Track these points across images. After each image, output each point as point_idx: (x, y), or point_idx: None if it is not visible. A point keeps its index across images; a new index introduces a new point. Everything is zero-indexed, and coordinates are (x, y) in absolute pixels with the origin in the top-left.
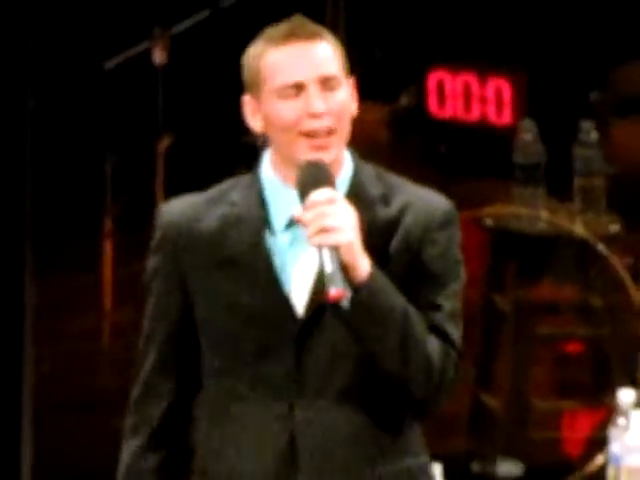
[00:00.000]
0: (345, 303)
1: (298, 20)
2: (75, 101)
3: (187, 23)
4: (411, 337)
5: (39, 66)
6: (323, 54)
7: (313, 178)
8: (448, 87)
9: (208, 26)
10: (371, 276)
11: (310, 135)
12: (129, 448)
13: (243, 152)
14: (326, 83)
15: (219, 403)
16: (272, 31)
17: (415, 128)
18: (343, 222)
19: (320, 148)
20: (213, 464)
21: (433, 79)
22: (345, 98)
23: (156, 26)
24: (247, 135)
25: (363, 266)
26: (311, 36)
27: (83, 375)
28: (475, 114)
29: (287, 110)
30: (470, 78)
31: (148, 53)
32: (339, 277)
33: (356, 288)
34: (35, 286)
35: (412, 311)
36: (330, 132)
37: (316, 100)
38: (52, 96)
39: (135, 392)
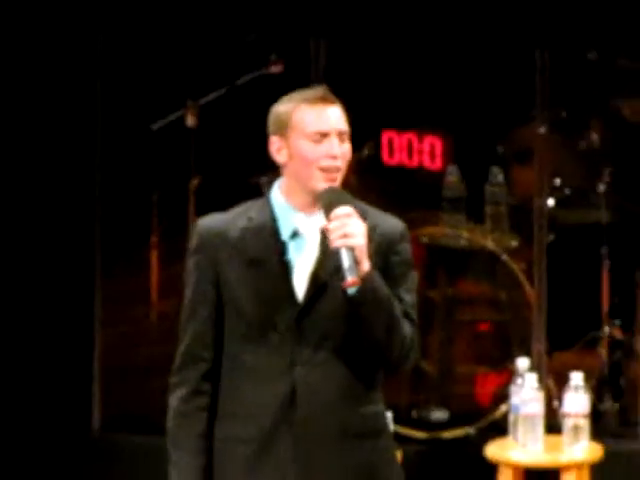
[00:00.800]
0: (353, 290)
1: (323, 89)
2: (133, 152)
3: (211, 96)
4: (394, 315)
5: (107, 125)
6: (340, 114)
7: (336, 198)
8: (396, 143)
9: (226, 99)
10: (371, 271)
11: (325, 170)
12: (175, 398)
13: (250, 189)
14: (341, 135)
15: (239, 361)
16: (304, 93)
17: (373, 171)
18: (357, 230)
19: (331, 180)
20: (232, 403)
21: (386, 137)
22: (349, 148)
23: (189, 98)
24: (253, 177)
25: (366, 264)
26: (333, 101)
27: (137, 347)
28: (415, 162)
29: (312, 150)
30: (412, 136)
31: (183, 118)
32: (354, 270)
33: (363, 279)
34: (103, 283)
35: (394, 298)
36: (338, 170)
37: (335, 146)
38: (116, 149)
39: (177, 360)
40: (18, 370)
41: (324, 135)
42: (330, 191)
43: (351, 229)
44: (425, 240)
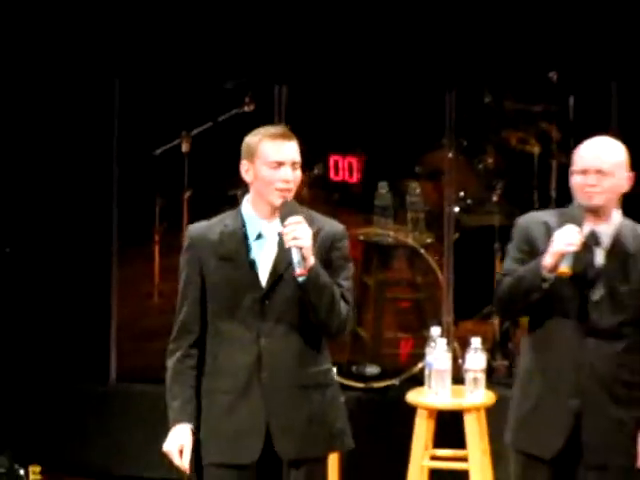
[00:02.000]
0: (301, 279)
1: (283, 127)
2: (142, 170)
3: (201, 129)
4: (333, 298)
5: (122, 150)
6: (295, 148)
7: (289, 210)
8: (340, 164)
9: (212, 130)
10: (315, 264)
11: (280, 190)
12: (171, 361)
13: (229, 199)
14: (294, 165)
15: (217, 331)
16: (268, 129)
17: (322, 186)
18: (304, 234)
19: (284, 197)
20: (213, 365)
21: (332, 159)
22: (299, 175)
23: (184, 130)
24: (231, 190)
25: (312, 259)
26: (290, 137)
27: (144, 317)
28: (355, 179)
29: (271, 175)
30: (352, 159)
31: (179, 145)
32: (302, 264)
33: (308, 270)
34: (119, 267)
35: (333, 284)
36: (290, 190)
37: (289, 173)
38: (129, 168)
39: (174, 331)
40: (53, 335)
41: (280, 164)
42: (285, 204)
43: (299, 233)
44: (362, 238)
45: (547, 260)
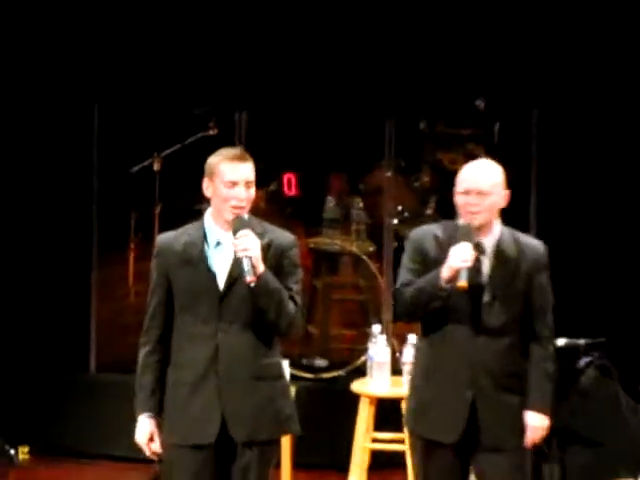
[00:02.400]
0: (252, 285)
1: (241, 149)
2: (117, 188)
3: (170, 150)
4: (282, 301)
5: (101, 169)
6: (250, 169)
7: (239, 224)
8: (293, 181)
9: (180, 152)
10: (265, 272)
11: (234, 207)
12: (141, 354)
13: (194, 213)
14: (248, 184)
15: (181, 328)
16: (227, 151)
17: (277, 200)
18: (253, 245)
19: (237, 213)
20: (177, 357)
21: (285, 177)
22: (253, 192)
23: (155, 151)
24: (196, 204)
25: (261, 267)
26: (246, 159)
27: (120, 315)
28: (304, 194)
29: (227, 193)
30: (303, 177)
31: (152, 165)
32: (251, 272)
33: (258, 277)
34: (98, 271)
35: (282, 289)
36: (242, 207)
37: (242, 192)
38: (108, 185)
39: (144, 325)
40: (40, 331)
41: (235, 183)
42: (237, 219)
43: (248, 245)
44: (312, 246)
45: (444, 273)
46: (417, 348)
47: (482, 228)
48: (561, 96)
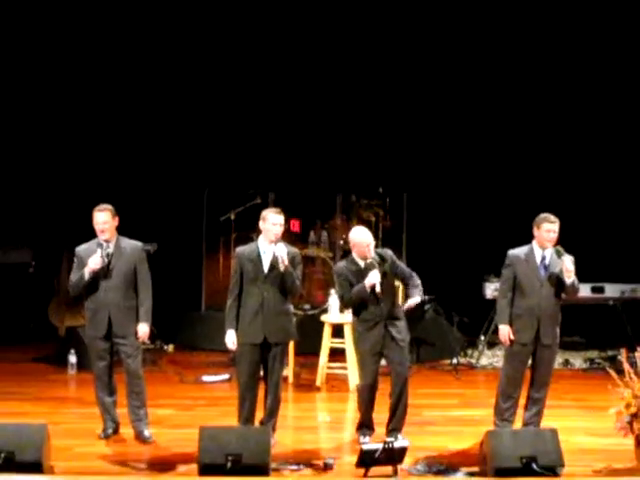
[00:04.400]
0: (282, 270)
1: (278, 209)
2: (217, 226)
3: (238, 210)
4: (294, 280)
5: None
6: (282, 218)
7: (278, 242)
8: (296, 224)
9: (243, 211)
10: (288, 265)
11: (275, 235)
12: (228, 301)
13: (249, 239)
14: (280, 225)
15: (246, 292)
16: (269, 209)
17: (287, 232)
18: (284, 253)
19: (277, 239)
20: (244, 303)
21: (292, 222)
22: (282, 229)
23: (232, 209)
24: (250, 234)
25: (286, 262)
26: (280, 212)
27: (220, 285)
28: (297, 228)
29: (271, 229)
30: (294, 221)
31: (230, 216)
32: (282, 265)
33: (285, 267)
34: (206, 260)
35: (294, 273)
36: (278, 236)
37: (278, 229)
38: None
39: (230, 288)
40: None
41: (274, 224)
42: (276, 240)
43: (282, 253)
44: (304, 254)
45: (367, 285)
46: (353, 322)
47: (368, 257)
48: (417, 186)
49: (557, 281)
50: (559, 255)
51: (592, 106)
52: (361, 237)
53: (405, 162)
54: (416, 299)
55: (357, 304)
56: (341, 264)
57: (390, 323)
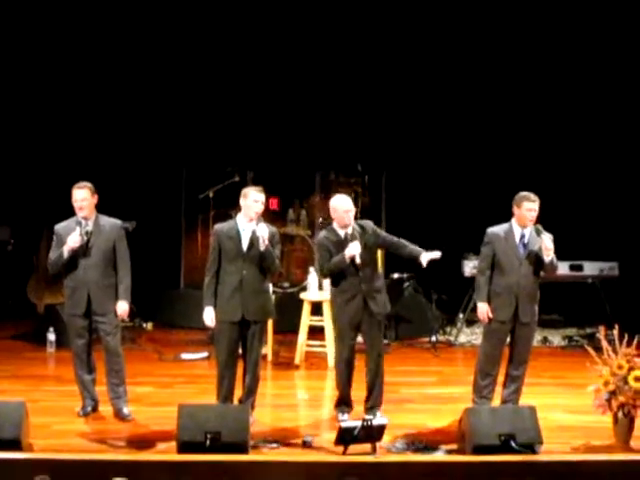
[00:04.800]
0: (262, 249)
1: (259, 188)
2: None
3: (216, 188)
4: (273, 258)
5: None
6: (263, 196)
7: (258, 220)
8: (275, 202)
9: (221, 189)
10: (267, 244)
11: (256, 213)
12: (207, 279)
13: (228, 216)
14: (261, 202)
15: (224, 270)
16: (250, 187)
17: (266, 211)
18: (265, 233)
19: (256, 216)
20: (223, 280)
21: (270, 200)
22: (263, 206)
23: (210, 187)
24: (229, 212)
25: (266, 242)
26: (261, 190)
27: (198, 262)
28: (278, 207)
29: (251, 206)
30: (273, 199)
31: (208, 194)
32: (262, 244)
33: (265, 247)
34: (185, 237)
35: (273, 252)
36: (258, 214)
37: (259, 206)
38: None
39: (207, 265)
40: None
41: (255, 201)
42: (259, 220)
43: (263, 232)
44: (282, 231)
45: (347, 255)
46: (332, 294)
47: (347, 227)
48: (396, 163)
49: (536, 259)
50: (538, 233)
51: (570, 82)
52: (341, 203)
53: (384, 140)
54: (436, 253)
55: (336, 275)
56: (322, 234)
57: (369, 296)
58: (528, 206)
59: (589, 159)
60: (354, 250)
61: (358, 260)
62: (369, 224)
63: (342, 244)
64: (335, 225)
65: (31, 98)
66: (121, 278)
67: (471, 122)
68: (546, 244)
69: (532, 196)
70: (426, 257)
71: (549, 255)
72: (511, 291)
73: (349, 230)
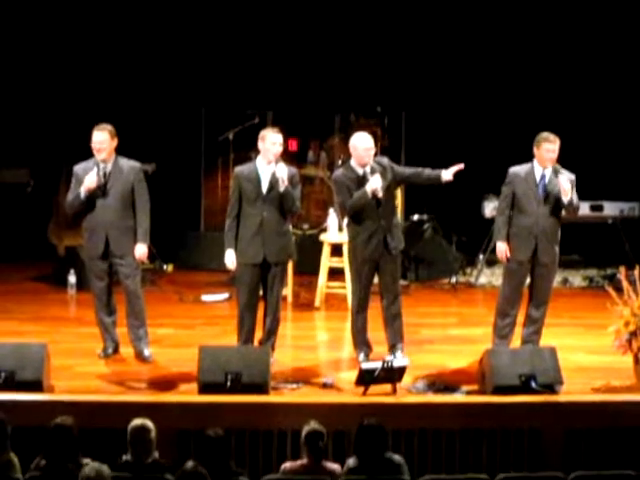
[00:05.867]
0: (282, 190)
1: (277, 128)
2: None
3: (236, 129)
4: (293, 199)
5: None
6: (281, 137)
7: (279, 164)
8: (294, 143)
9: (241, 131)
10: (287, 185)
11: (274, 154)
12: (227, 221)
13: (248, 158)
14: (280, 144)
15: (244, 213)
16: (269, 129)
17: (286, 152)
18: (284, 173)
19: (276, 158)
20: (243, 223)
21: (289, 141)
22: (281, 148)
23: (231, 128)
24: (250, 153)
25: (286, 182)
26: (279, 131)
27: (218, 205)
28: (294, 147)
29: (270, 148)
30: (292, 140)
31: (228, 136)
32: (282, 185)
33: (285, 187)
34: (204, 179)
35: (293, 193)
36: (278, 155)
37: (278, 148)
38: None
39: (229, 208)
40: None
41: (274, 143)
42: (279, 162)
43: (283, 173)
44: (302, 173)
45: (369, 190)
46: (348, 225)
47: (366, 165)
48: (416, 104)
49: (556, 200)
50: (556, 174)
51: (589, 25)
52: (362, 141)
53: (403, 81)
54: (459, 165)
55: (358, 211)
56: (338, 172)
57: (389, 230)
58: (547, 147)
59: (611, 97)
60: (376, 183)
61: (380, 194)
62: (384, 161)
63: (361, 182)
64: (353, 163)
65: (50, 38)
66: (140, 221)
67: (492, 60)
68: (563, 185)
69: (551, 137)
70: (449, 173)
71: (567, 195)
72: (530, 231)
73: (367, 169)
